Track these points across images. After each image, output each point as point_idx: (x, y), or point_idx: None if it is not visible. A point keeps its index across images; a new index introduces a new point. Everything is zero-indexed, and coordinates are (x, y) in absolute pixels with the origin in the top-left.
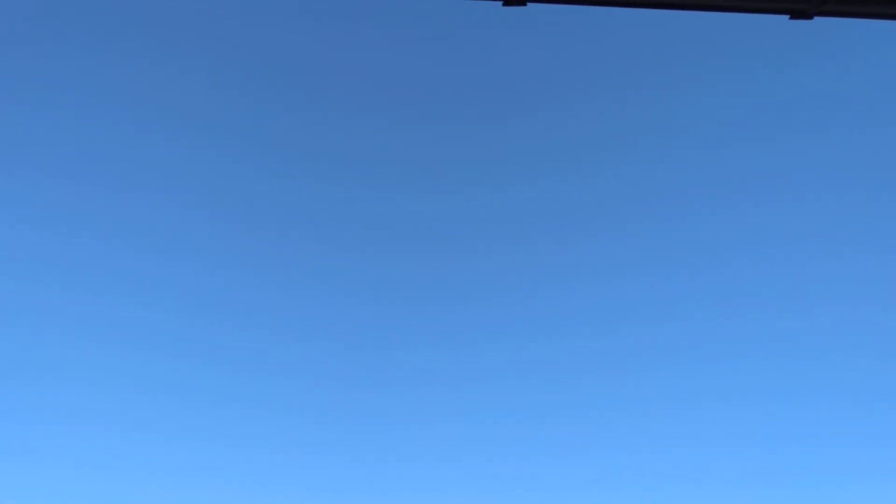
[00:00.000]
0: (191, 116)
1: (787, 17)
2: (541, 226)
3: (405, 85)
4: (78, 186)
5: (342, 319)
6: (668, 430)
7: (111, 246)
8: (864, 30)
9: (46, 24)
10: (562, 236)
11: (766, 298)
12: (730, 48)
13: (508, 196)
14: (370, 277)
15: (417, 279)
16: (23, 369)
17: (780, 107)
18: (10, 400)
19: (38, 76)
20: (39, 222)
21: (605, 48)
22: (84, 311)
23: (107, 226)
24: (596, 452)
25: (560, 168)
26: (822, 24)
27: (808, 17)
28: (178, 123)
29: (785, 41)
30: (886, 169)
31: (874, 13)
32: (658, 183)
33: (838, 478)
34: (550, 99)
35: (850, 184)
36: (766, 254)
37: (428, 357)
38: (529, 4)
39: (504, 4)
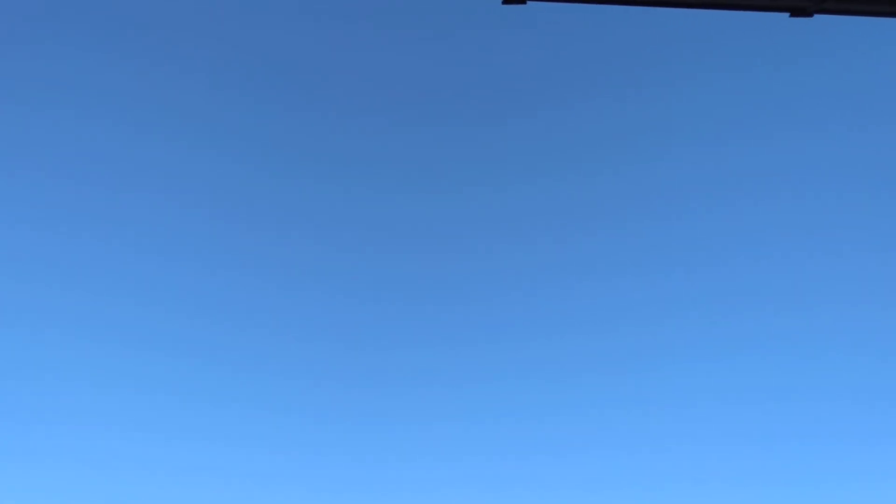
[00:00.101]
0: (191, 116)
1: (788, 14)
2: (540, 225)
3: (405, 84)
4: (78, 186)
5: (342, 319)
6: (667, 429)
7: (111, 246)
8: (865, 28)
9: (46, 24)
10: (561, 235)
11: (764, 297)
12: (730, 46)
13: (508, 195)
14: (370, 277)
15: (417, 279)
16: (23, 369)
17: (780, 105)
18: (10, 400)
19: (38, 76)
20: (39, 222)
21: (604, 46)
22: (84, 311)
23: (107, 226)
24: (596, 451)
25: (559, 167)
26: (823, 22)
27: (809, 14)
28: (178, 123)
29: (785, 39)
30: (886, 167)
31: (875, 11)
32: (657, 181)
33: (837, 476)
34: (550, 98)
35: (850, 182)
36: (765, 252)
37: (428, 357)
38: (529, 3)
39: (503, 2)
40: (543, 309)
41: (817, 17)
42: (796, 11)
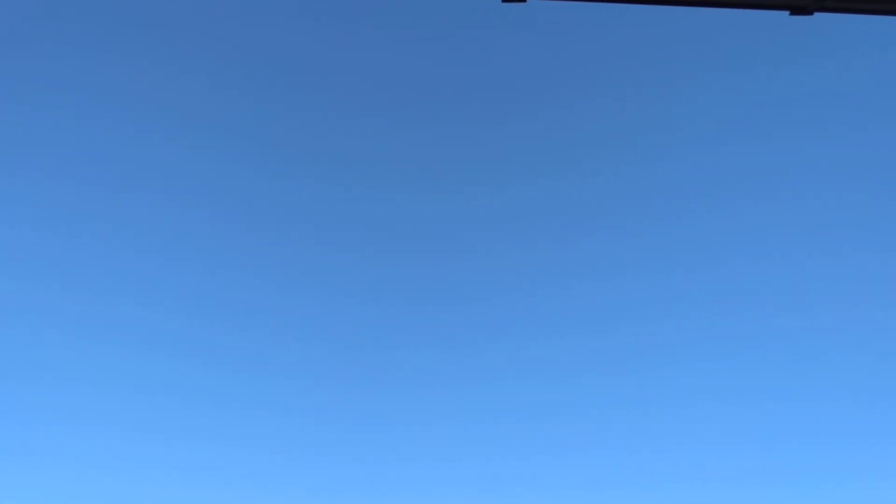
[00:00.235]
0: (191, 116)
1: (787, 12)
2: (540, 225)
3: (404, 84)
4: (78, 186)
5: (342, 319)
6: (667, 429)
7: (111, 246)
8: (865, 26)
9: (46, 24)
10: (561, 235)
11: (765, 296)
12: (729, 45)
13: (508, 195)
14: (370, 277)
15: (417, 279)
16: (23, 369)
17: (780, 104)
18: (10, 400)
19: (38, 76)
20: (39, 222)
21: (604, 46)
22: (84, 311)
23: (107, 226)
24: (596, 451)
25: (559, 167)
26: (823, 20)
27: (809, 12)
28: (178, 123)
29: (785, 37)
30: (886, 167)
31: (875, 9)
32: (657, 181)
33: (837, 476)
34: (550, 98)
35: (850, 182)
36: (766, 252)
37: (428, 357)
38: (529, 1)
39: (503, 0)
40: (543, 309)
41: (817, 15)
42: (796, 9)
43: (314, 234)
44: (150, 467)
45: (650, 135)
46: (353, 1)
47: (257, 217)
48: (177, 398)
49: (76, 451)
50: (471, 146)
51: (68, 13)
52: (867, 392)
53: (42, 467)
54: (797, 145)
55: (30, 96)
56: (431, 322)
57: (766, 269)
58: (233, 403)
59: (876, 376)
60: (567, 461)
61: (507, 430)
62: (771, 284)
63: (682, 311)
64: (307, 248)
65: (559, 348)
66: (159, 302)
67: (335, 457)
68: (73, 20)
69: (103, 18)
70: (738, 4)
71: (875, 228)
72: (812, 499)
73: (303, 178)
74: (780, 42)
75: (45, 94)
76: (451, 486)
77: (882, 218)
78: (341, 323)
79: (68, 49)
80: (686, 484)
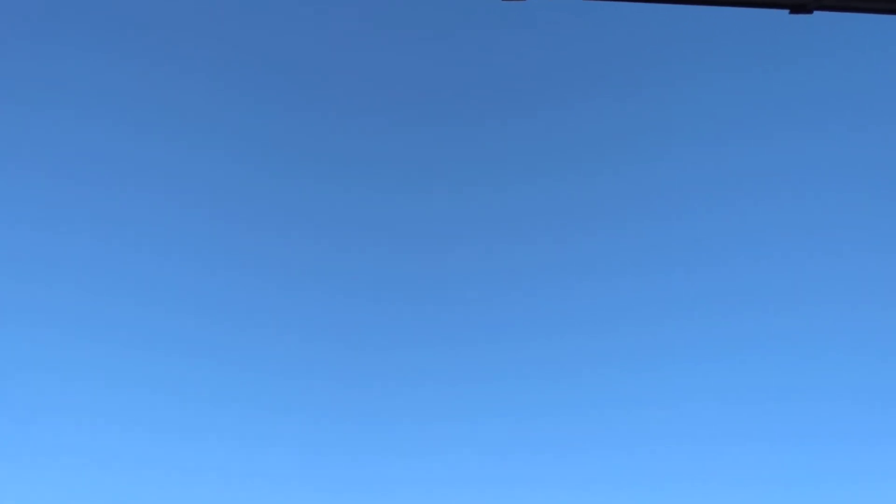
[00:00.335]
0: (191, 116)
1: (787, 11)
2: (540, 225)
3: (404, 84)
4: (78, 186)
5: (342, 319)
6: (667, 428)
7: (111, 246)
8: (865, 26)
9: (46, 24)
10: (561, 235)
11: (765, 296)
12: (729, 44)
13: (508, 195)
14: (370, 277)
15: (417, 279)
16: (23, 369)
17: (780, 104)
18: (10, 399)
19: (38, 76)
20: (39, 222)
21: (604, 46)
22: (84, 311)
23: (107, 226)
24: (596, 451)
25: (559, 167)
26: (823, 19)
27: (808, 11)
28: (178, 123)
29: (784, 37)
30: (886, 167)
31: (875, 8)
32: (657, 181)
33: (837, 476)
34: (550, 98)
35: (850, 181)
36: (766, 252)
37: (428, 357)
38: (528, 0)
39: None
40: (543, 309)
41: (817, 14)
42: (796, 8)
43: (314, 234)
44: (150, 467)
45: (650, 135)
46: (353, 1)
47: (257, 217)
48: (177, 398)
49: (76, 451)
50: (471, 146)
51: (68, 13)
52: (867, 392)
53: (42, 466)
54: (797, 145)
55: (30, 96)
56: (431, 322)
57: (766, 269)
58: (233, 403)
59: (876, 376)
60: (567, 461)
61: (507, 430)
62: (771, 284)
63: (682, 311)
64: (307, 248)
65: (559, 348)
66: (159, 302)
67: (335, 456)
68: (73, 20)
69: (103, 18)
70: (737, 3)
71: (875, 228)
72: (812, 499)
73: (303, 177)
74: (779, 41)
75: (45, 94)
76: (451, 486)
77: (882, 218)
78: (341, 323)
79: (68, 49)
80: (686, 484)
